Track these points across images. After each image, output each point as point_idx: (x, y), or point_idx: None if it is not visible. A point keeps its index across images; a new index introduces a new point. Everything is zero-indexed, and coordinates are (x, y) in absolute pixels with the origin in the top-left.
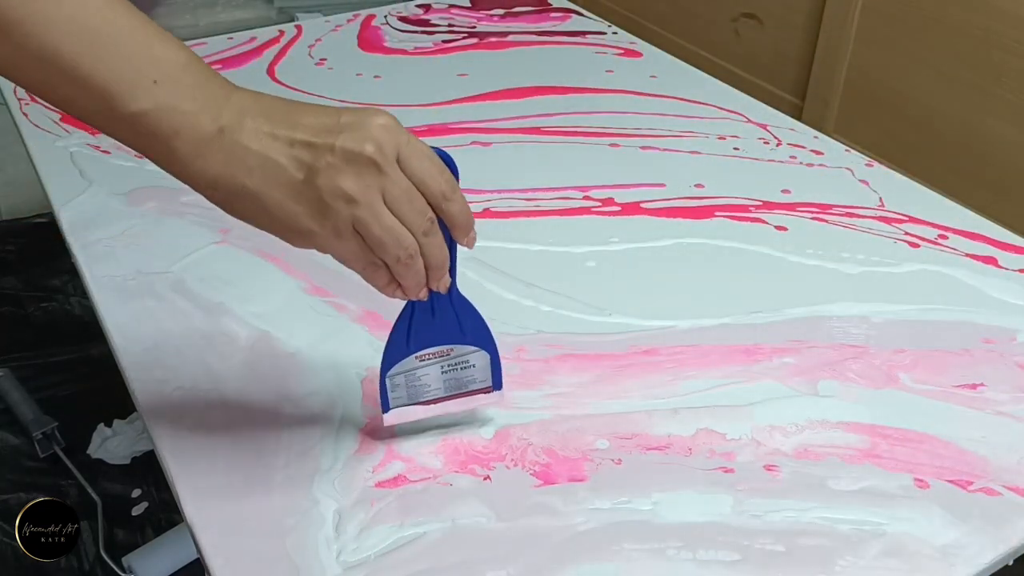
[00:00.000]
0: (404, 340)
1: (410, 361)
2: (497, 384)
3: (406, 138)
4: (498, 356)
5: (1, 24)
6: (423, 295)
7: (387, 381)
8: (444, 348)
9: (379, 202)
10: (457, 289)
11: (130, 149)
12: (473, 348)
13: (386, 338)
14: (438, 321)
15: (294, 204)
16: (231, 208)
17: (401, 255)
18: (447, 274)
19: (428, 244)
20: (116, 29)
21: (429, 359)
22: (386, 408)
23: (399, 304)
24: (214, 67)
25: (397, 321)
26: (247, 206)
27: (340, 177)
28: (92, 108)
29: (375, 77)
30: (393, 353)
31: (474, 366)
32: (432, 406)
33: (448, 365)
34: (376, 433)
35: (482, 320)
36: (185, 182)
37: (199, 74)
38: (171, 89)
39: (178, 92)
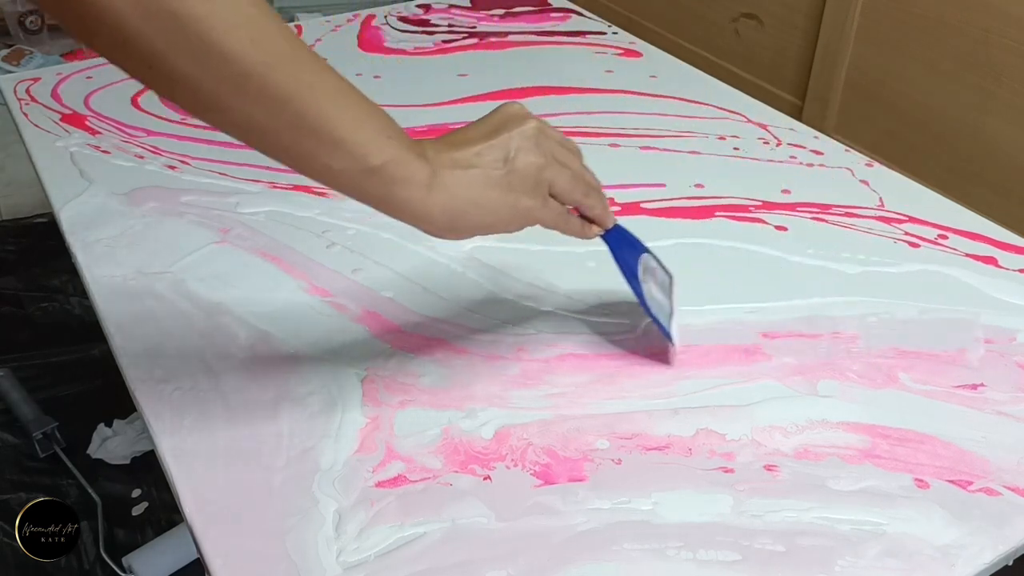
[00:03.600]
0: (632, 275)
1: (646, 288)
2: (668, 272)
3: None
4: (648, 248)
5: (272, 95)
6: (611, 220)
7: (653, 313)
8: (641, 264)
9: (555, 160)
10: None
11: (312, 185)
12: (645, 253)
13: (386, 338)
14: (625, 247)
15: (510, 193)
16: (460, 226)
17: (587, 188)
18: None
19: (585, 173)
20: (351, 91)
21: (645, 278)
22: (669, 336)
23: (397, 304)
24: None
25: (619, 264)
26: (475, 217)
27: (528, 155)
28: (338, 166)
29: (375, 77)
30: (636, 290)
31: (655, 268)
32: (674, 311)
33: (651, 276)
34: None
35: (626, 229)
36: (413, 220)
37: (397, 125)
38: (398, 142)
39: (401, 144)
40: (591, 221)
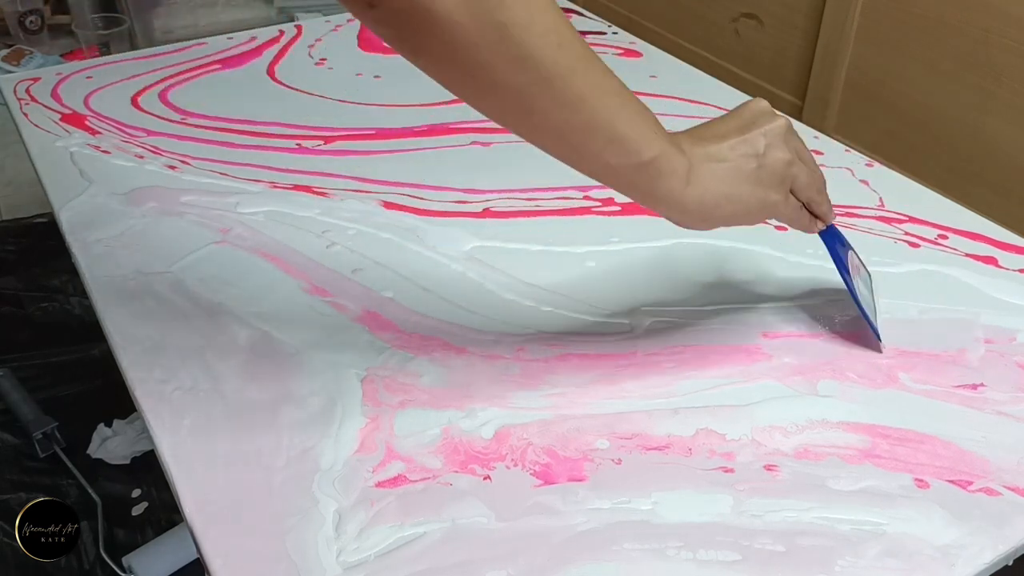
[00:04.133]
0: (844, 271)
1: (855, 285)
2: (868, 271)
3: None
4: (852, 247)
5: (571, 97)
6: (832, 216)
7: (864, 309)
8: (850, 261)
9: (800, 156)
10: None
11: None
12: (849, 249)
13: (386, 338)
14: (838, 243)
15: (759, 187)
16: (711, 217)
17: (821, 185)
18: None
19: (816, 170)
20: (625, 90)
21: (855, 274)
22: (878, 335)
23: (397, 304)
24: (214, 67)
25: (837, 264)
26: (727, 208)
27: (777, 151)
28: (616, 161)
29: (375, 77)
30: (850, 285)
31: (859, 265)
32: (877, 308)
33: (857, 273)
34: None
35: (835, 226)
36: (669, 210)
37: (656, 118)
38: (663, 136)
39: (666, 138)
40: (816, 217)
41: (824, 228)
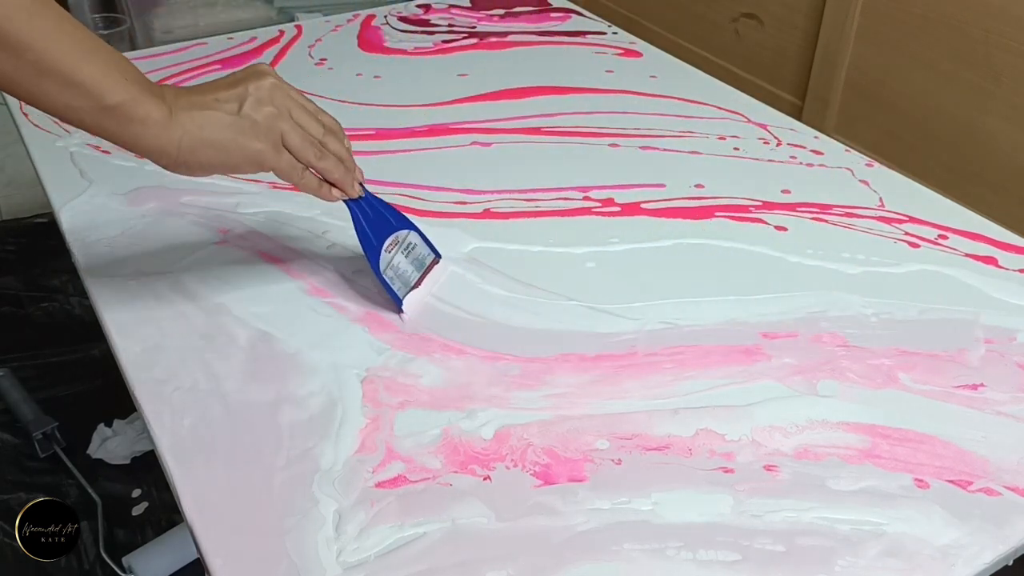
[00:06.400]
0: (369, 241)
1: (384, 256)
2: (437, 254)
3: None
4: (420, 231)
5: (8, 42)
6: (355, 189)
7: (385, 277)
8: (393, 237)
9: (290, 116)
10: (368, 192)
11: (109, 142)
12: (406, 230)
13: (386, 339)
14: (376, 219)
15: (241, 136)
16: (192, 161)
17: (320, 152)
18: (358, 169)
19: (330, 142)
20: (90, 38)
21: (392, 249)
22: (399, 301)
23: (394, 306)
24: (214, 67)
25: (357, 231)
26: (207, 154)
27: (263, 105)
28: (77, 104)
29: (375, 77)
30: (371, 254)
31: (416, 245)
32: (422, 286)
33: (404, 250)
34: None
35: (395, 209)
36: (148, 154)
37: (137, 70)
38: (136, 85)
39: (139, 86)
40: (334, 185)
41: (351, 198)
